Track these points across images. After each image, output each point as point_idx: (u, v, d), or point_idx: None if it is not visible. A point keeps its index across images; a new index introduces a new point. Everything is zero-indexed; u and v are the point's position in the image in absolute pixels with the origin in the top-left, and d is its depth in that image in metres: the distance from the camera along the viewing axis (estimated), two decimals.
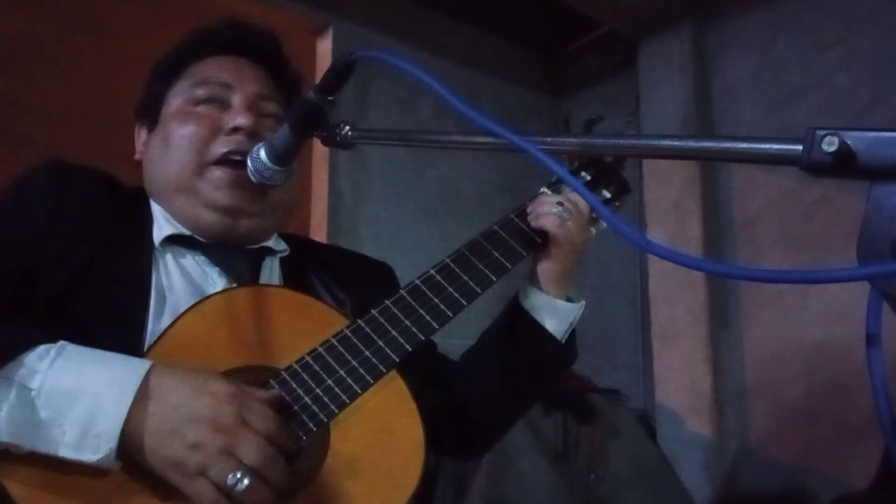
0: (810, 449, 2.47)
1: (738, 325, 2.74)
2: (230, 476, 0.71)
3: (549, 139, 0.65)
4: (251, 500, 0.73)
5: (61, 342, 0.78)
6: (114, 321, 0.86)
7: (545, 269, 1.05)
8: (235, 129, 1.02)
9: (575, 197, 1.05)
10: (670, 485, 2.38)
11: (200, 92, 1.05)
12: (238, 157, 1.00)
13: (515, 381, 1.08)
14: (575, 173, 1.11)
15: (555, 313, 1.05)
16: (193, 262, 1.00)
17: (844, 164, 0.45)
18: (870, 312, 0.44)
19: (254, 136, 1.01)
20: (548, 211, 1.03)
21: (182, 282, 0.97)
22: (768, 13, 2.79)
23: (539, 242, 1.03)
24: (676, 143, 0.57)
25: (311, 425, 0.82)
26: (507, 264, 0.99)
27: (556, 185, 1.10)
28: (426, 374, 1.05)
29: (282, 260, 1.09)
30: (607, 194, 1.11)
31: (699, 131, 2.87)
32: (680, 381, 2.77)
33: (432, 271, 0.96)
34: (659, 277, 2.88)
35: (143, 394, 0.75)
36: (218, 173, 1.01)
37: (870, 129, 0.45)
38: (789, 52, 2.71)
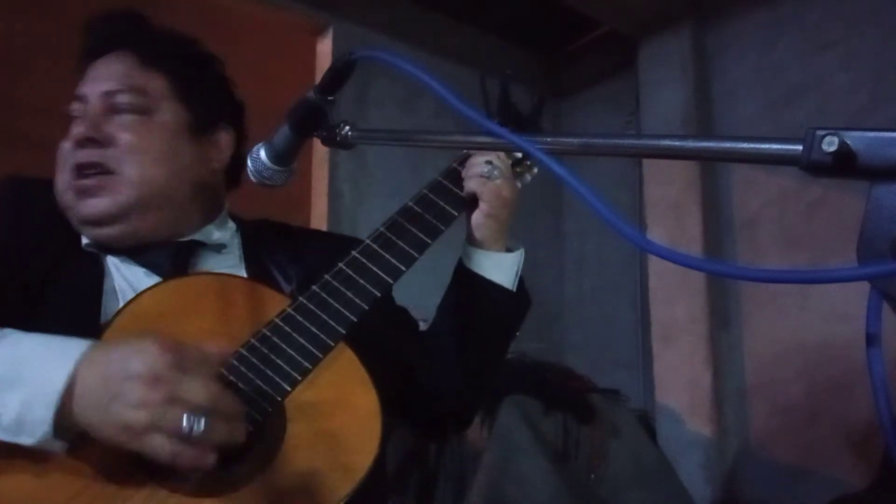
0: (810, 449, 2.47)
1: (738, 325, 2.74)
2: (183, 422, 0.69)
3: (548, 139, 0.65)
4: (216, 439, 0.72)
5: (4, 329, 0.78)
6: (70, 324, 0.86)
7: (480, 226, 1.08)
8: (76, 143, 1.00)
9: (499, 154, 1.08)
10: (670, 485, 2.37)
11: (69, 109, 1.05)
12: (83, 168, 0.99)
13: (479, 340, 1.09)
14: None
15: (498, 266, 1.09)
16: (124, 265, 1.02)
17: (844, 164, 0.45)
18: (870, 312, 0.44)
19: (93, 142, 1.00)
20: (476, 170, 1.06)
21: (122, 285, 0.99)
22: (768, 13, 2.79)
23: (467, 200, 1.07)
24: (676, 143, 0.57)
25: (266, 406, 0.82)
26: (440, 226, 1.01)
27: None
28: (392, 340, 1.07)
29: (245, 254, 1.08)
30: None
31: (699, 131, 2.87)
32: (680, 381, 2.77)
33: (368, 241, 0.97)
34: (659, 277, 2.88)
35: (81, 370, 0.74)
36: (72, 188, 1.00)
37: (870, 129, 0.45)
38: (789, 52, 2.71)
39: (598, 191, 0.53)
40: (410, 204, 1.02)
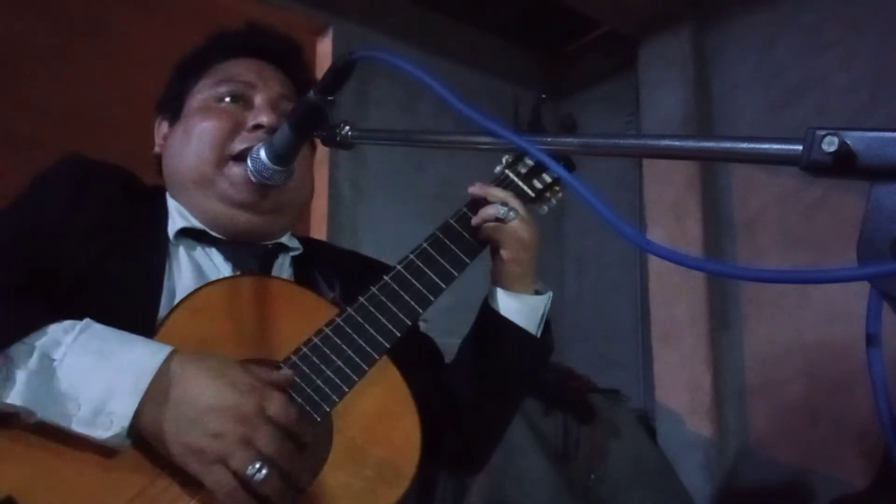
0: (810, 449, 2.47)
1: (738, 325, 2.74)
2: (250, 466, 0.72)
3: (549, 139, 0.65)
4: (267, 491, 0.74)
5: (87, 320, 0.79)
6: (126, 315, 0.86)
7: (503, 269, 1.06)
8: (257, 126, 1.03)
9: (512, 195, 1.06)
10: (670, 485, 2.38)
11: (224, 89, 1.06)
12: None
13: (498, 382, 1.08)
14: (513, 165, 1.11)
15: (523, 309, 1.06)
16: (206, 257, 1.02)
17: (844, 164, 0.45)
18: (870, 312, 0.44)
19: (273, 132, 1.02)
20: (489, 216, 1.03)
21: (193, 276, 0.98)
22: (768, 13, 2.79)
23: (479, 249, 1.04)
24: (676, 143, 0.57)
25: (315, 416, 0.84)
26: (454, 272, 1.00)
27: (513, 165, 1.11)
28: (418, 364, 1.06)
29: (293, 258, 1.10)
30: (548, 179, 1.13)
31: (699, 131, 2.87)
32: (680, 381, 2.77)
33: (412, 256, 0.98)
34: (659, 277, 2.88)
35: (161, 379, 0.76)
36: (236, 169, 1.01)
37: (870, 129, 0.45)
38: (789, 52, 2.71)
39: (598, 191, 0.53)
40: (436, 234, 1.02)
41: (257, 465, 0.72)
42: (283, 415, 0.76)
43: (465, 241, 1.02)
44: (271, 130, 1.01)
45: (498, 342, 1.06)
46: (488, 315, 1.07)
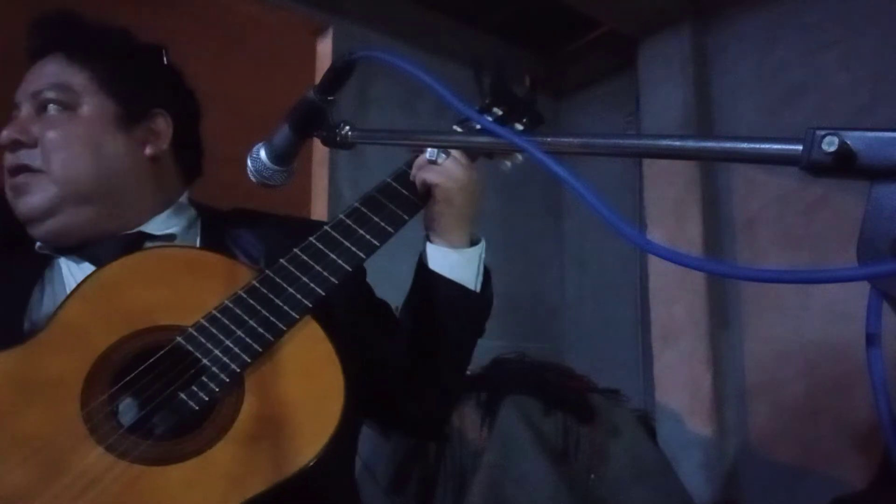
0: (810, 449, 2.47)
1: (738, 325, 2.74)
2: None
3: (549, 139, 0.65)
4: None
5: None
6: None
7: (433, 216, 1.02)
8: (5, 149, 1.03)
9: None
10: (670, 485, 2.37)
11: (11, 116, 1.07)
12: (11, 170, 1.02)
13: (437, 342, 1.04)
14: (486, 109, 1.08)
15: (451, 263, 1.02)
16: (72, 263, 1.03)
17: (844, 164, 0.45)
18: (870, 312, 0.44)
19: (18, 144, 1.01)
20: (421, 161, 1.01)
21: (67, 281, 1.01)
22: (768, 13, 2.79)
23: (419, 204, 1.01)
24: (676, 143, 0.57)
25: (222, 377, 0.82)
26: (390, 229, 0.97)
27: (463, 124, 1.05)
28: (367, 328, 1.05)
29: (203, 234, 1.08)
30: (520, 127, 1.09)
31: (699, 131, 2.87)
32: (680, 381, 2.77)
33: (342, 216, 0.96)
34: (659, 277, 2.88)
35: None
36: (9, 188, 1.03)
37: (870, 129, 0.45)
38: (789, 52, 2.71)
39: (598, 191, 0.53)
40: (372, 193, 0.99)
41: None
42: None
43: (402, 197, 0.99)
44: (10, 143, 1.01)
45: (431, 300, 1.02)
46: (422, 273, 1.03)
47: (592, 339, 3.31)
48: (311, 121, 0.92)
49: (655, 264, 2.89)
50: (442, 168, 1.00)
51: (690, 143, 0.56)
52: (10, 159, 1.02)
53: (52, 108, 1.03)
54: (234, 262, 0.96)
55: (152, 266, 0.92)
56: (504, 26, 3.34)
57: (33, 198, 1.01)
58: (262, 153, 0.97)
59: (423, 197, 1.01)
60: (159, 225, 1.07)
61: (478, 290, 1.04)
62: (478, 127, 0.79)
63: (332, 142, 0.92)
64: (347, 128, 0.91)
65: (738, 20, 2.89)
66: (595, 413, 2.34)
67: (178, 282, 0.90)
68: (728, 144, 0.53)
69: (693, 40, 2.96)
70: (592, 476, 2.20)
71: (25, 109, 1.05)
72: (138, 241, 1.04)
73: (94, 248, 1.02)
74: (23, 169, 1.01)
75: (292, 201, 2.33)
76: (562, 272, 3.50)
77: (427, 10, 3.15)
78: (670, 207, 2.89)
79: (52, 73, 1.06)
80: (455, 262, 1.02)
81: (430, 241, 1.05)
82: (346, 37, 2.85)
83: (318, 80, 0.91)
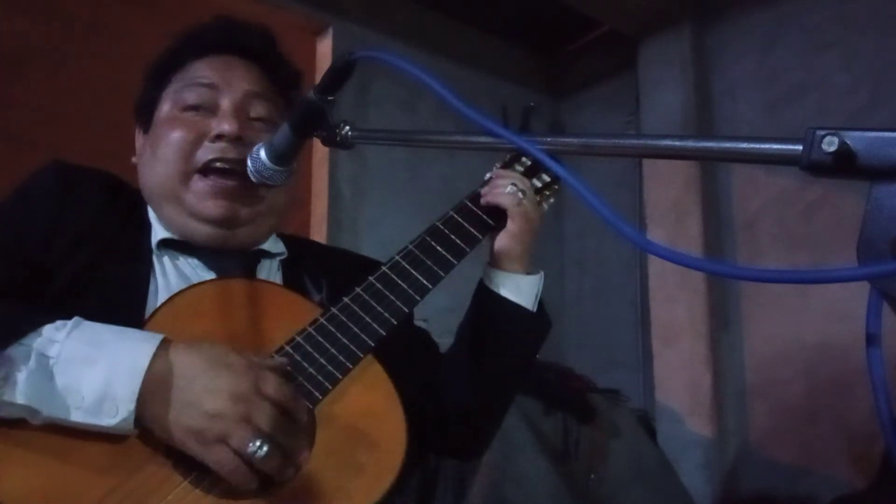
0: (810, 449, 2.47)
1: (738, 325, 2.74)
2: (251, 444, 0.73)
3: (548, 139, 0.65)
4: (269, 467, 0.75)
5: (77, 317, 0.79)
6: (113, 321, 0.86)
7: (505, 248, 1.06)
8: (219, 137, 1.00)
9: (524, 177, 1.08)
10: (670, 485, 2.38)
11: (188, 95, 1.03)
12: (221, 165, 1.00)
13: (499, 361, 1.08)
14: (510, 164, 1.13)
15: (519, 288, 1.06)
16: (189, 267, 1.01)
17: (844, 164, 0.45)
18: (870, 312, 0.44)
19: (239, 141, 1.00)
20: (503, 191, 1.05)
21: (179, 285, 0.97)
22: (768, 13, 2.79)
23: (492, 225, 1.06)
24: (676, 143, 0.57)
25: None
26: (465, 248, 1.02)
27: (510, 165, 1.13)
28: (414, 358, 1.07)
29: (282, 261, 1.09)
30: (546, 178, 1.14)
31: (699, 131, 2.87)
32: (680, 381, 2.77)
33: (397, 257, 0.98)
34: (659, 277, 2.88)
35: (157, 363, 0.76)
36: (201, 184, 1.00)
37: (870, 129, 0.45)
38: (789, 52, 2.71)
39: (598, 191, 0.53)
40: (438, 224, 1.02)
41: (258, 443, 0.73)
42: (280, 393, 0.77)
43: (468, 227, 1.03)
44: (234, 139, 1.00)
45: (496, 321, 1.06)
46: (485, 295, 1.07)
47: (592, 339, 3.31)
48: (311, 121, 0.92)
49: (655, 264, 2.89)
50: (525, 208, 1.05)
51: (690, 143, 0.56)
52: (224, 149, 0.99)
53: (260, 117, 1.04)
54: (298, 295, 0.98)
55: (223, 295, 0.92)
56: (504, 26, 3.34)
57: (242, 208, 1.00)
58: (263, 153, 0.96)
59: (486, 228, 1.05)
60: (274, 244, 1.10)
61: (534, 311, 1.08)
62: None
63: (332, 142, 0.92)
64: (347, 128, 0.91)
65: (738, 21, 2.89)
66: (595, 413, 2.34)
67: (247, 313, 0.91)
68: (728, 144, 0.53)
69: (693, 40, 2.96)
70: (592, 476, 2.20)
71: (226, 104, 1.03)
72: (258, 258, 1.06)
73: (220, 259, 1.01)
74: (238, 164, 0.98)
75: (292, 201, 2.33)
76: (562, 272, 3.50)
77: (427, 10, 3.15)
78: (670, 207, 2.89)
79: (261, 82, 1.07)
80: (516, 288, 1.06)
81: (493, 268, 1.08)
82: (346, 37, 2.85)
83: (318, 80, 0.91)
